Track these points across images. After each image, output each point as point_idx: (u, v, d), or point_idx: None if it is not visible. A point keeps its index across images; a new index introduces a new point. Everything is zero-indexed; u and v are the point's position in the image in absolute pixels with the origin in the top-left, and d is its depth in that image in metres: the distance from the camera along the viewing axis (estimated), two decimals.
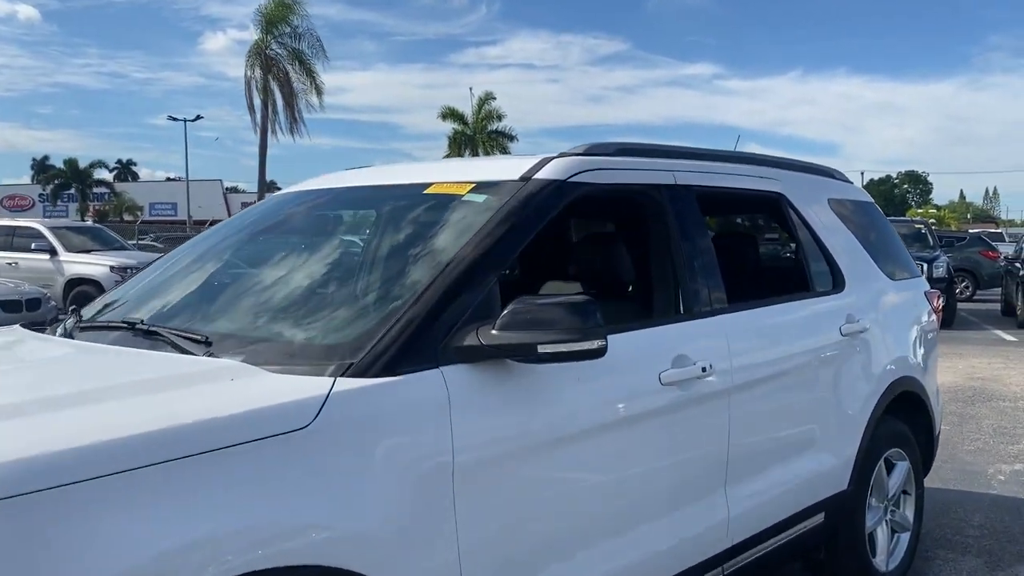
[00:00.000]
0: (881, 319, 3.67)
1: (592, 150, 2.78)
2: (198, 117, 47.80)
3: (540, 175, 2.56)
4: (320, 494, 1.75)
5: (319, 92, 33.31)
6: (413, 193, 2.70)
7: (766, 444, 2.99)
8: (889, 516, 3.73)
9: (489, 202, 2.48)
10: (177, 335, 2.19)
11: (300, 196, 3.07)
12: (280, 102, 33.21)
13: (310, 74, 32.93)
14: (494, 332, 2.07)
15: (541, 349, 2.04)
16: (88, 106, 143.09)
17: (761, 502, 2.94)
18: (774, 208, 3.54)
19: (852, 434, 3.39)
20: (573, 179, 2.59)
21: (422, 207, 2.63)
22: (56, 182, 55.76)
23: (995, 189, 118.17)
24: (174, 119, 46.53)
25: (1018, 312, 14.55)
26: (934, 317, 4.23)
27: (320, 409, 1.81)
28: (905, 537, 3.82)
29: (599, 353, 2.09)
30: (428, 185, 2.67)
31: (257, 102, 33.31)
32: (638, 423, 2.47)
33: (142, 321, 2.35)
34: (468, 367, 2.09)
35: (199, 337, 2.16)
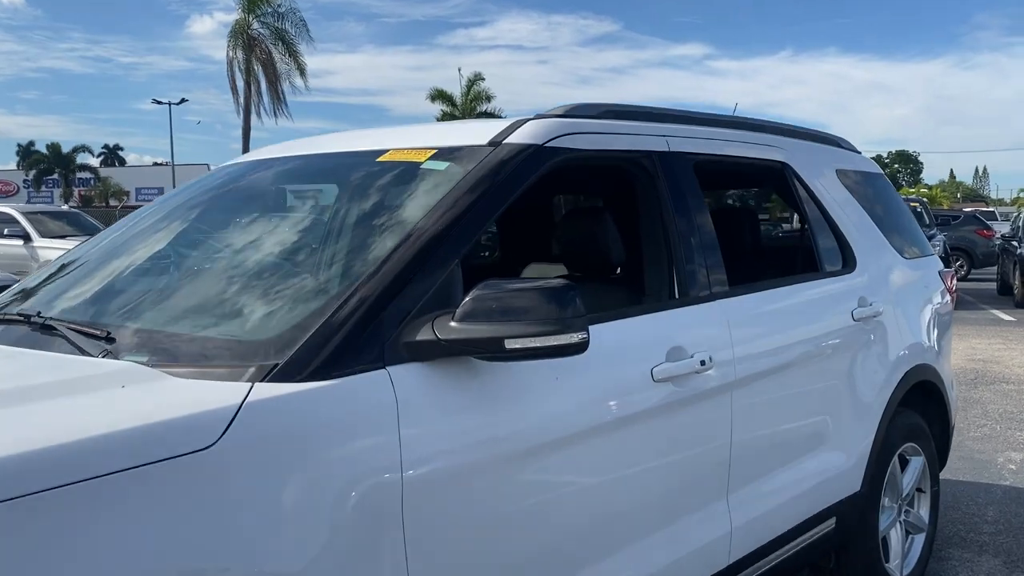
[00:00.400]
0: (895, 301, 3.33)
1: (574, 111, 2.41)
2: (183, 100, 47.12)
3: (513, 139, 2.20)
4: (224, 531, 1.40)
5: (303, 73, 32.70)
6: (364, 162, 2.33)
7: (772, 445, 2.66)
8: (903, 517, 3.41)
9: (452, 170, 2.11)
10: (75, 330, 1.83)
11: (239, 169, 2.69)
12: (263, 83, 32.57)
13: (293, 54, 32.28)
14: (453, 324, 1.72)
15: (510, 344, 1.68)
16: (74, 91, 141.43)
17: (767, 510, 2.60)
18: (777, 179, 3.18)
19: (865, 429, 3.06)
20: (552, 144, 2.23)
21: (373, 178, 2.26)
22: (39, 167, 55.04)
23: (985, 168, 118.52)
24: (159, 102, 45.87)
25: (1015, 291, 14.29)
26: (948, 298, 3.89)
27: (229, 424, 1.45)
28: (920, 539, 3.50)
29: (580, 348, 1.74)
30: (382, 152, 2.30)
31: (240, 83, 32.69)
32: (627, 427, 2.12)
33: (38, 314, 1.98)
34: (422, 366, 1.73)
35: (100, 333, 1.80)
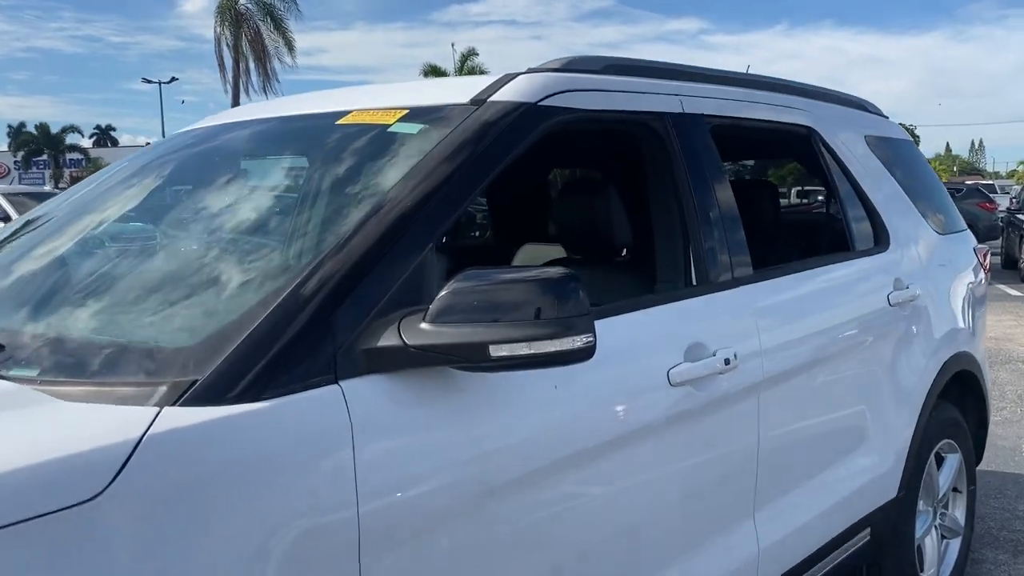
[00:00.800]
0: (932, 282, 2.98)
1: (572, 65, 2.04)
2: (173, 79, 46.40)
3: (500, 97, 1.83)
4: None
5: (291, 49, 32.06)
6: (322, 126, 1.95)
7: (804, 451, 2.31)
8: (938, 521, 3.08)
9: (425, 134, 1.74)
10: None
11: (178, 140, 2.29)
12: (252, 61, 31.92)
13: (281, 30, 31.63)
14: (425, 326, 1.36)
15: (496, 352, 1.33)
16: (65, 71, 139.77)
17: (798, 526, 2.26)
18: (803, 146, 2.81)
19: (903, 428, 2.72)
20: (546, 103, 1.86)
21: (331, 144, 1.89)
22: (27, 148, 54.39)
23: (980, 141, 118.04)
24: (149, 81, 45.16)
25: (1021, 265, 13.96)
26: (983, 276, 3.55)
27: (121, 467, 1.10)
28: (956, 544, 3.18)
29: (585, 354, 1.38)
30: (343, 114, 1.92)
31: (228, 61, 32.06)
32: (639, 442, 1.77)
33: None
34: (385, 379, 1.38)
35: None
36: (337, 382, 1.33)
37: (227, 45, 31.86)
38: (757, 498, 2.12)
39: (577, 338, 1.36)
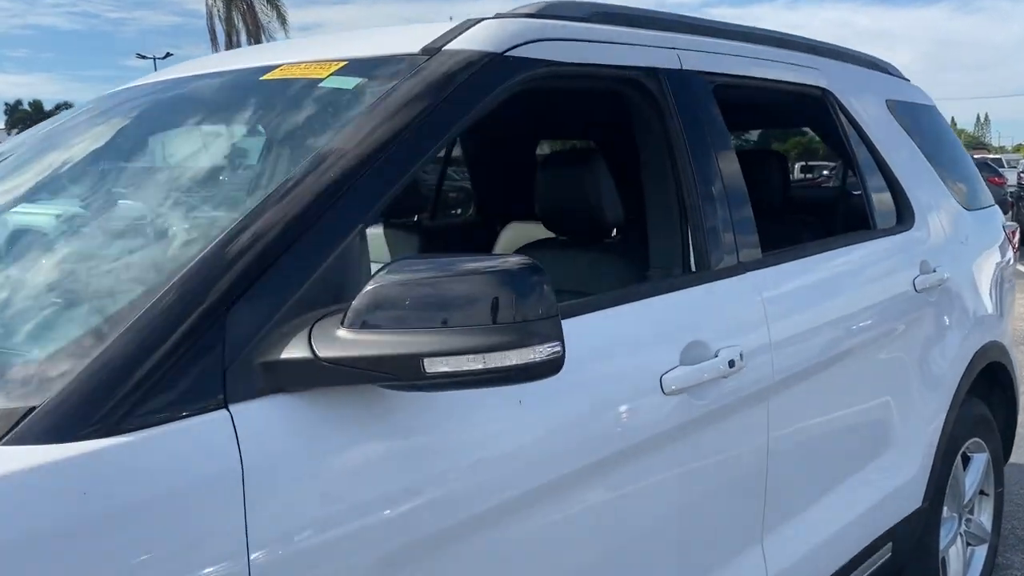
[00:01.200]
0: (961, 264, 2.66)
1: (550, 10, 1.71)
2: (168, 55, 45.75)
3: (457, 45, 1.50)
4: None
5: (284, 23, 31.55)
6: (243, 83, 1.63)
7: (820, 464, 2.01)
8: (963, 527, 2.78)
9: (365, 89, 1.42)
10: None
11: (86, 107, 1.94)
12: (244, 35, 31.38)
13: (274, 3, 31.08)
14: (343, 333, 1.05)
15: (433, 367, 1.02)
16: (63, 48, 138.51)
17: (812, 548, 1.96)
18: (817, 111, 2.48)
19: (929, 430, 2.41)
20: (515, 53, 1.53)
21: (249, 106, 1.57)
22: (22, 125, 54.06)
23: (986, 116, 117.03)
24: (143, 57, 44.59)
25: None
26: (1011, 256, 3.23)
27: None
28: (981, 551, 2.89)
29: (549, 368, 1.07)
30: (270, 69, 1.59)
31: (221, 36, 31.51)
32: (624, 464, 1.46)
33: None
34: (290, 401, 1.07)
35: None
36: (226, 406, 1.03)
37: (219, 18, 31.35)
38: (766, 521, 1.82)
39: (540, 348, 1.05)
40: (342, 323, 1.06)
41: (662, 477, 1.54)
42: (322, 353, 1.04)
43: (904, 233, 2.48)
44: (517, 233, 2.70)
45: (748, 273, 1.83)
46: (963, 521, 2.77)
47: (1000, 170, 20.41)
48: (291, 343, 1.06)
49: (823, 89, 2.42)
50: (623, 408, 1.45)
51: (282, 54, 1.73)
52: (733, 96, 2.10)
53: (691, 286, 1.72)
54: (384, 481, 1.12)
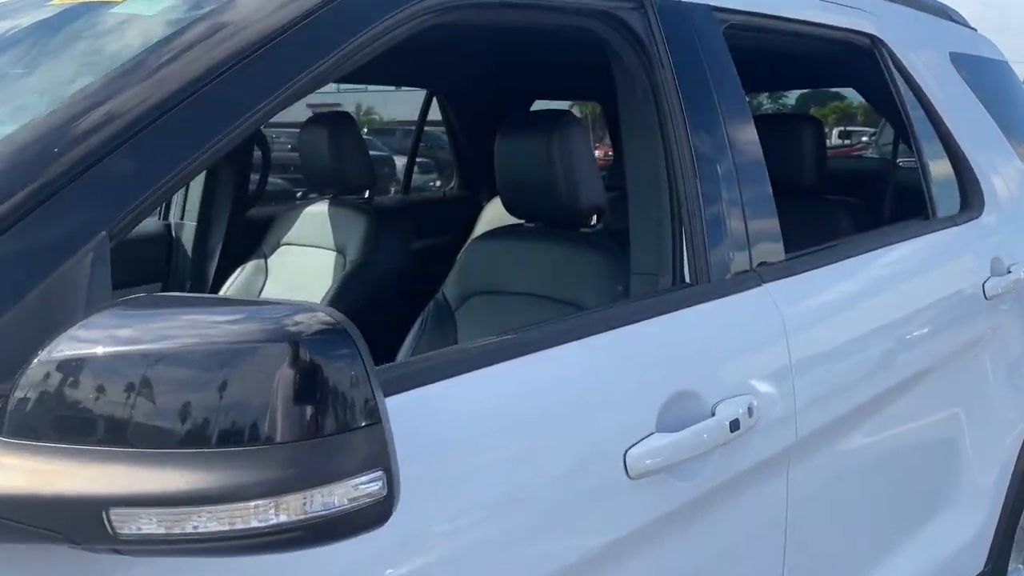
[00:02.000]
0: None
1: None
2: None
3: None
4: None
5: None
6: (28, 7, 1.14)
7: (854, 542, 1.50)
8: None
9: (167, 16, 0.93)
10: None
11: None
12: None
13: None
14: None
15: (126, 526, 0.53)
16: None
17: None
18: (864, 65, 1.94)
19: (996, 479, 1.90)
20: None
21: (19, 39, 1.08)
22: None
23: None
24: None
25: None
26: None
27: None
28: None
29: (372, 519, 0.58)
30: None
31: None
32: None
33: None
34: None
35: None
36: None
37: None
38: None
39: (352, 484, 0.55)
40: (3, 425, 0.57)
41: None
42: None
43: (971, 222, 1.94)
44: (495, 215, 2.26)
45: (766, 284, 1.32)
46: None
47: None
48: None
49: (872, 37, 1.87)
50: (561, 510, 0.95)
51: None
52: (752, 44, 1.57)
53: (681, 307, 1.21)
54: None
